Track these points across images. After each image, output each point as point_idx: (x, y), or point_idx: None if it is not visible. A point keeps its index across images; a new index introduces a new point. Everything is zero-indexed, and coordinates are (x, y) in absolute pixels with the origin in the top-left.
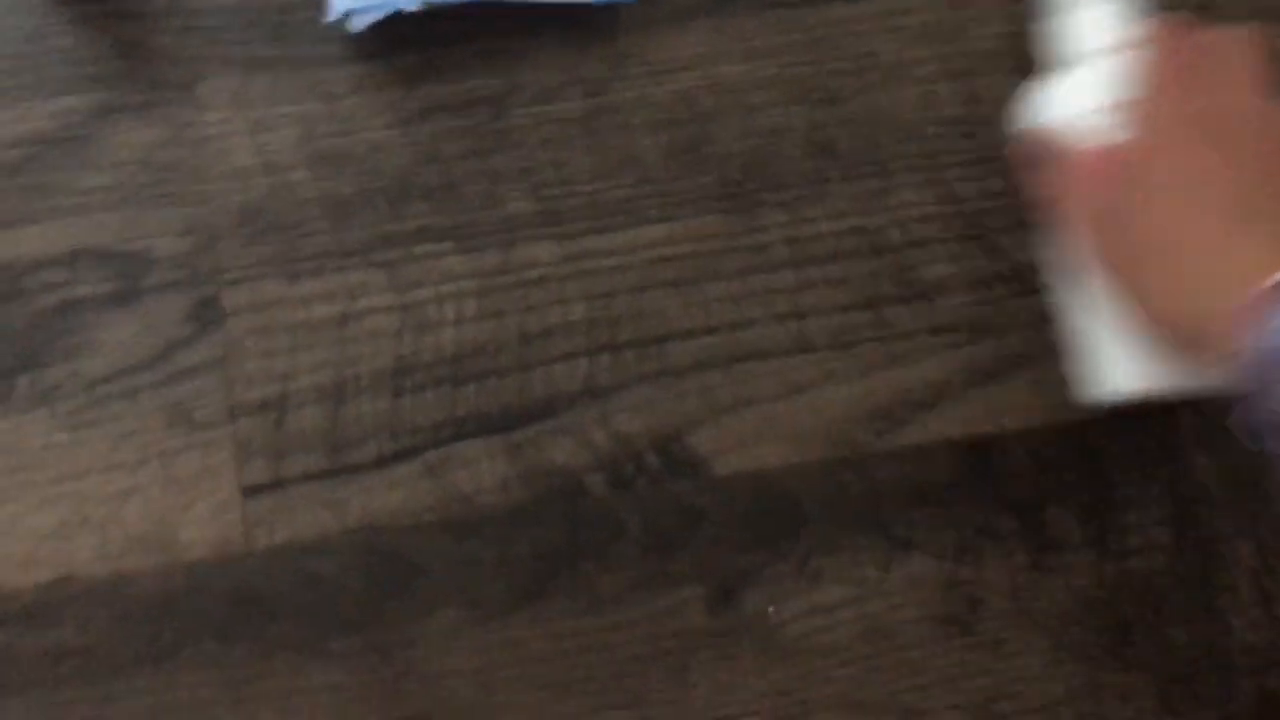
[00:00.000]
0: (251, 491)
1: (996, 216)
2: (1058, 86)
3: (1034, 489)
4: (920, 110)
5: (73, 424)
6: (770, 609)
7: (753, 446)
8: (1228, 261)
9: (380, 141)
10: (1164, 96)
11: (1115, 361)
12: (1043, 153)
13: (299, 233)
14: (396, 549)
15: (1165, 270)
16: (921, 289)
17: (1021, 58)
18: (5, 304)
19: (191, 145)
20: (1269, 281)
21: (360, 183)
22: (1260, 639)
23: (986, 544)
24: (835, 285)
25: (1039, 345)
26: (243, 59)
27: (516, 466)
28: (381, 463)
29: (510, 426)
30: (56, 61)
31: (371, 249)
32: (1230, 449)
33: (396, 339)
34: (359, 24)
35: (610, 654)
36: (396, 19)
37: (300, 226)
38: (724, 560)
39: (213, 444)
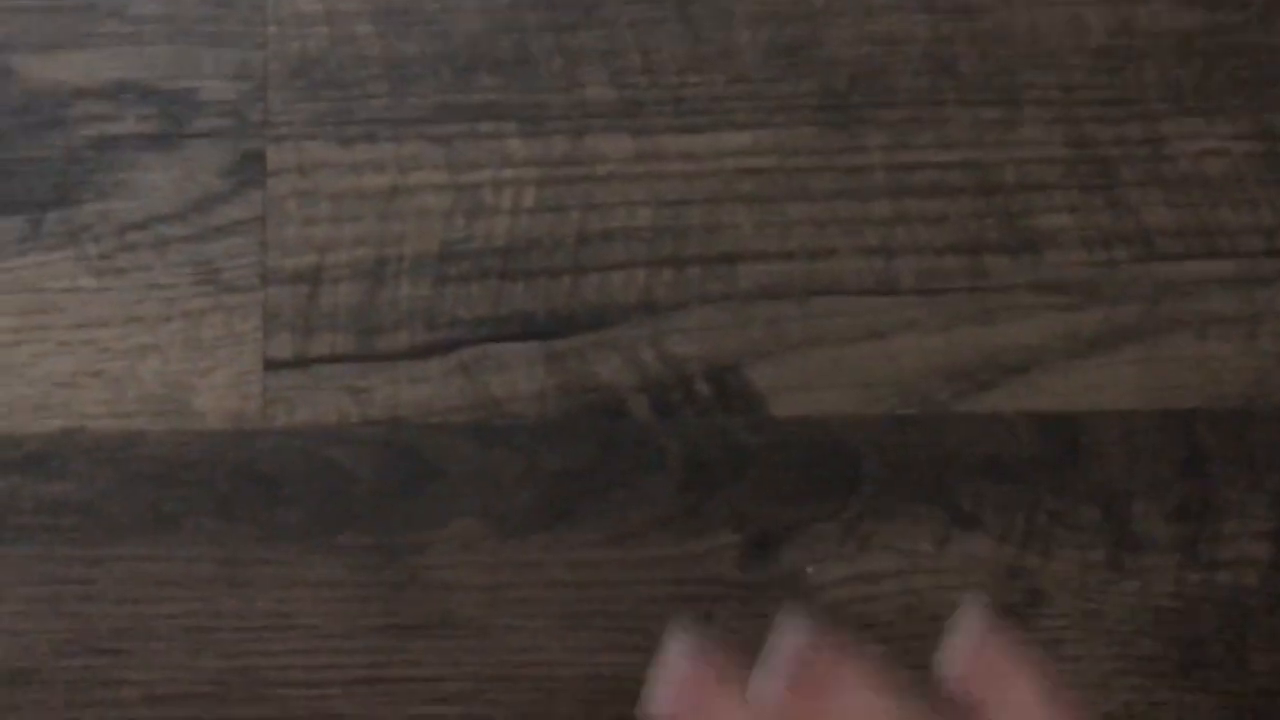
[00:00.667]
0: (274, 365)
1: (1130, 168)
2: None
3: (1123, 479)
4: (1063, 35)
5: (99, 269)
6: (809, 569)
7: (816, 389)
8: None
9: (453, 2)
10: None
11: None
12: None
13: (356, 93)
14: (417, 447)
15: None
16: (1030, 239)
17: None
18: (43, 132)
19: None
20: None
21: (427, 45)
22: None
23: (1060, 532)
24: (933, 223)
25: (1154, 320)
26: None
27: (556, 376)
28: (413, 353)
29: (555, 333)
30: None
31: (430, 120)
32: None
33: (446, 221)
34: None
35: (629, 591)
36: None
37: (358, 86)
38: (766, 509)
39: (239, 309)
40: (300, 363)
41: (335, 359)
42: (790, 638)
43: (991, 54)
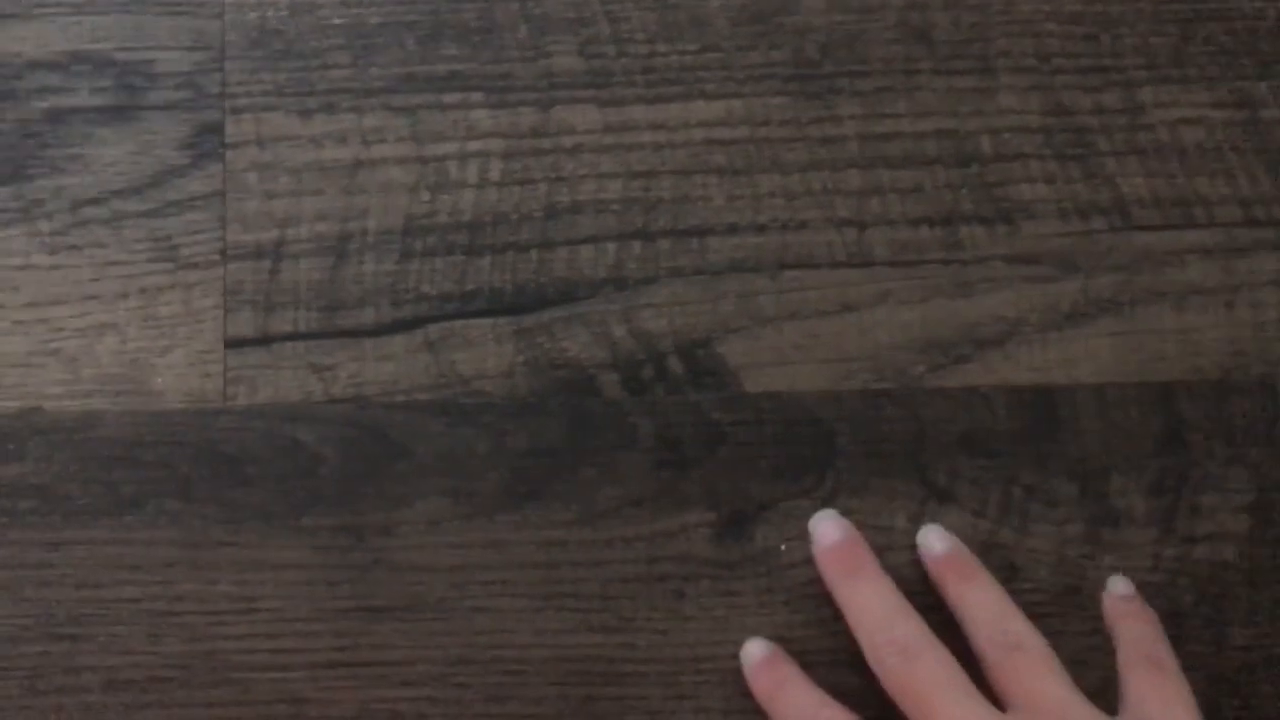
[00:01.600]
0: (235, 343)
1: (1107, 137)
2: None
3: (1101, 453)
4: (1039, 2)
5: (53, 246)
6: (783, 546)
7: (789, 364)
8: None
9: None
10: None
11: None
12: None
13: (317, 63)
14: (383, 426)
15: None
16: (1006, 210)
17: None
18: None
19: None
20: None
21: (390, 13)
22: None
23: (1036, 507)
24: (907, 194)
25: (1132, 291)
26: None
27: (524, 353)
28: (378, 330)
29: (523, 308)
30: None
31: (394, 91)
32: None
33: (411, 195)
34: None
35: (600, 571)
36: None
37: (319, 56)
38: (740, 486)
39: (199, 286)
40: (262, 340)
41: (298, 336)
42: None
43: (966, 21)
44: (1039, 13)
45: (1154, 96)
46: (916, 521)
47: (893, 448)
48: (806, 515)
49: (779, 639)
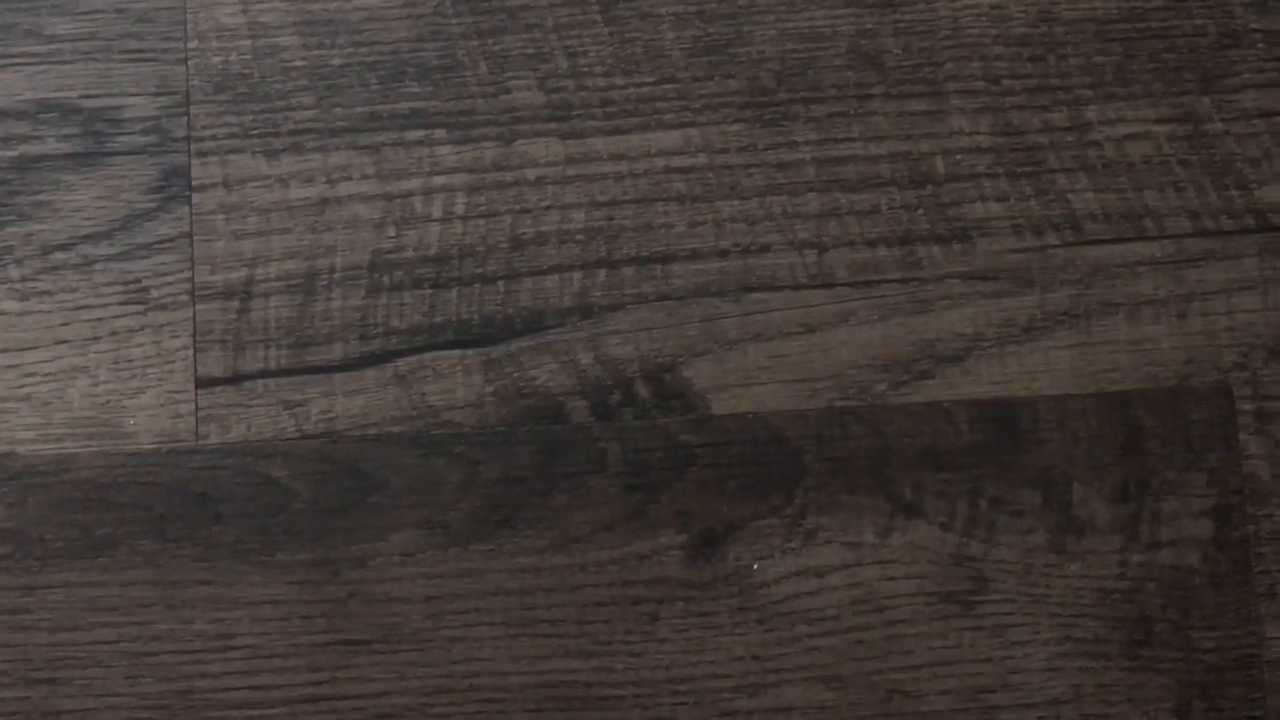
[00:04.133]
0: (206, 383)
1: (1057, 155)
2: None
3: (1063, 463)
4: (986, 26)
5: (23, 292)
6: (755, 565)
7: (754, 386)
8: None
9: (378, 10)
10: None
11: None
12: None
13: (281, 104)
14: (355, 460)
15: None
16: (961, 229)
17: None
18: None
19: None
20: None
21: (352, 55)
22: None
23: (1001, 518)
24: (864, 216)
25: (1086, 304)
26: None
27: (493, 383)
28: (347, 365)
29: (491, 339)
30: None
31: (358, 130)
32: None
33: (377, 231)
34: None
35: (575, 596)
36: None
37: (283, 98)
38: (710, 507)
39: (169, 327)
40: (233, 379)
41: (269, 374)
42: None
43: (915, 47)
44: (986, 36)
45: (1100, 114)
46: (885, 536)
47: (859, 464)
48: (778, 533)
49: (753, 657)
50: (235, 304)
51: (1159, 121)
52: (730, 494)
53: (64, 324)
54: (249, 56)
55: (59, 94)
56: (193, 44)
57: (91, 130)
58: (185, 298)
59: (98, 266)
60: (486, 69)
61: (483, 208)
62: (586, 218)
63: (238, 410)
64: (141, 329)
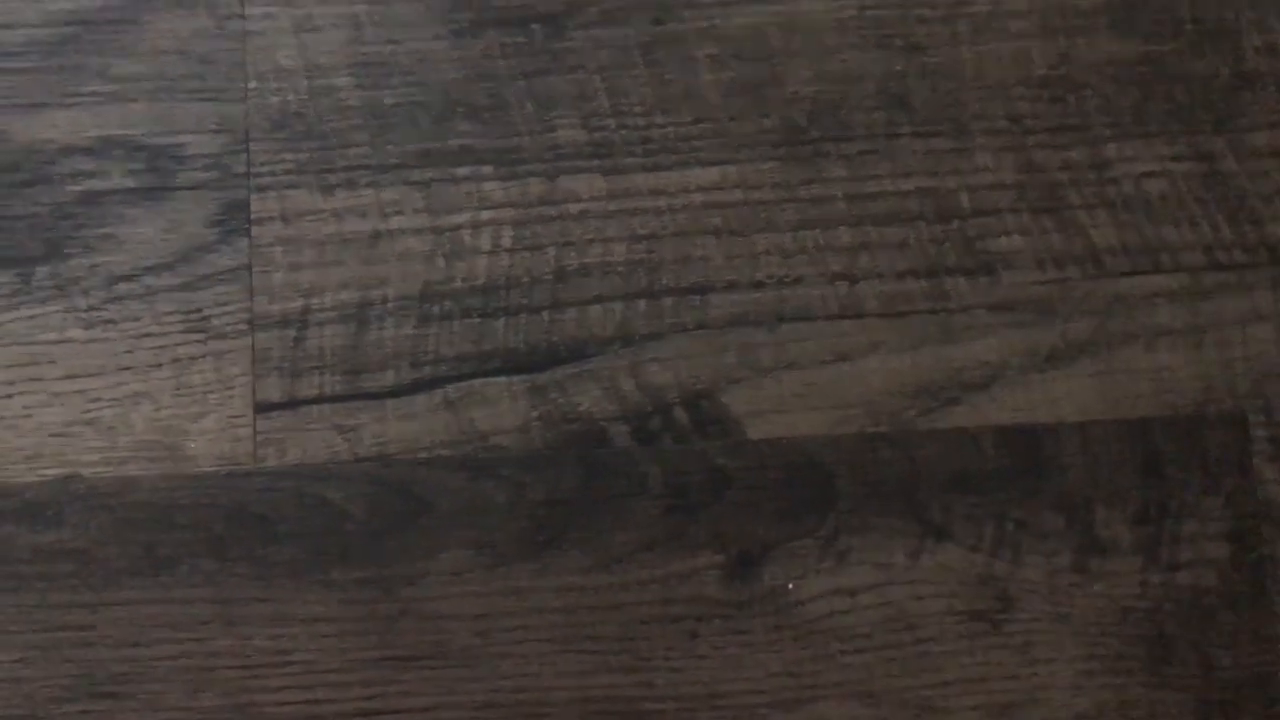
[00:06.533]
0: (264, 408)
1: (1077, 191)
2: None
3: (1085, 487)
4: (1009, 68)
5: (89, 321)
6: (790, 585)
7: (789, 412)
8: None
9: (429, 53)
10: None
11: None
12: None
13: (336, 142)
14: (406, 482)
15: None
16: (986, 261)
17: (1120, 21)
18: (30, 189)
19: (233, 39)
20: None
21: (404, 95)
22: None
23: (1027, 539)
24: (894, 249)
25: (1107, 333)
26: None
27: (539, 409)
28: (399, 391)
29: (536, 366)
30: None
31: (410, 166)
32: None
33: (428, 263)
34: None
35: (617, 614)
36: None
37: (338, 135)
38: (746, 529)
39: (229, 355)
40: (290, 404)
41: (324, 399)
42: None
43: (941, 88)
44: (1009, 78)
45: (1119, 152)
46: (915, 557)
47: (889, 488)
48: (812, 554)
49: (788, 674)
50: (292, 333)
51: (1175, 160)
52: (766, 516)
53: (128, 351)
54: (305, 96)
55: (124, 131)
56: (252, 84)
57: (155, 166)
58: (244, 326)
59: (160, 296)
60: (532, 108)
61: (528, 241)
62: (628, 250)
63: (294, 434)
64: (202, 356)
